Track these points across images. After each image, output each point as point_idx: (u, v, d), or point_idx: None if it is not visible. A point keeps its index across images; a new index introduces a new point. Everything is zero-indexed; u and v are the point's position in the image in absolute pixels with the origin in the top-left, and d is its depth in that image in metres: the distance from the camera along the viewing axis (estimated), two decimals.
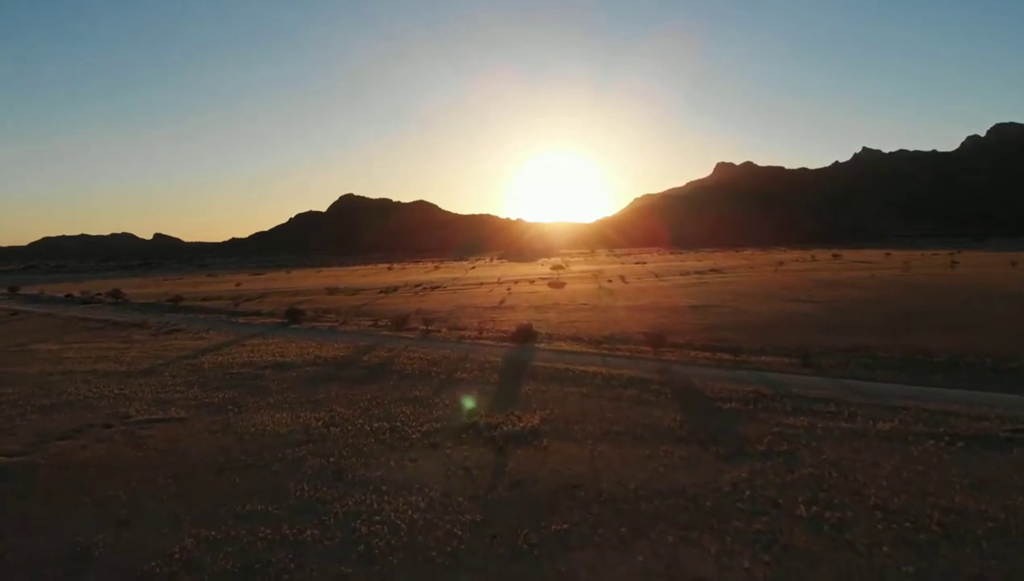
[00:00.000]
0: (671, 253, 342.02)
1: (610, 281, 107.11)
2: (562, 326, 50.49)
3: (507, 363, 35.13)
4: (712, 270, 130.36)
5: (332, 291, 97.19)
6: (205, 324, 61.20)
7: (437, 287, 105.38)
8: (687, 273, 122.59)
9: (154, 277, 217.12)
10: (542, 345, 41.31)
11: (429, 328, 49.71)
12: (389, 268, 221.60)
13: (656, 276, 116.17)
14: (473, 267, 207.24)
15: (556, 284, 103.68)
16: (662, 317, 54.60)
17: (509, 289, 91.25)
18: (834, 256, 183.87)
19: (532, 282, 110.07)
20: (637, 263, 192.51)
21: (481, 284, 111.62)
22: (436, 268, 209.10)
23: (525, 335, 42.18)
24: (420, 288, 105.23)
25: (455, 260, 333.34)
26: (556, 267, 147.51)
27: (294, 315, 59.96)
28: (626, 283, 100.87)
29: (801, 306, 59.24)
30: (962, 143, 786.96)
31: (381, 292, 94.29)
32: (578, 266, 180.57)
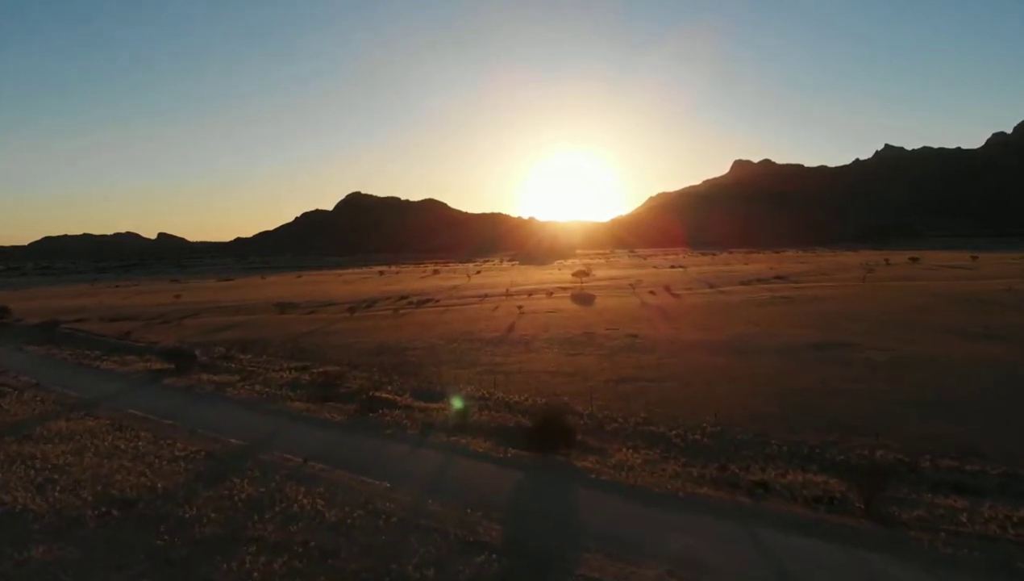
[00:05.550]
0: (702, 254, 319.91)
1: (652, 293, 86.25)
2: (615, 392, 29.92)
3: (514, 557, 14.59)
4: (777, 277, 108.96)
5: (284, 309, 77.24)
6: (45, 370, 41.57)
7: (427, 301, 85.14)
8: (748, 282, 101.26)
9: (114, 282, 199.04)
10: (589, 462, 20.72)
11: (375, 395, 29.34)
12: (381, 273, 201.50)
13: (710, 286, 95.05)
14: (478, 272, 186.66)
15: (582, 298, 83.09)
16: (778, 369, 33.90)
17: (521, 307, 70.80)
18: (912, 259, 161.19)
19: (550, 294, 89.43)
20: (673, 267, 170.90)
21: (484, 296, 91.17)
22: (435, 273, 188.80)
23: (552, 432, 21.68)
24: (405, 302, 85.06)
25: (464, 261, 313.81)
26: (579, 274, 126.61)
27: (181, 360, 40.02)
28: (676, 297, 79.96)
29: (993, 348, 38.32)
30: (987, 140, 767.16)
31: (350, 309, 74.21)
32: (602, 271, 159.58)
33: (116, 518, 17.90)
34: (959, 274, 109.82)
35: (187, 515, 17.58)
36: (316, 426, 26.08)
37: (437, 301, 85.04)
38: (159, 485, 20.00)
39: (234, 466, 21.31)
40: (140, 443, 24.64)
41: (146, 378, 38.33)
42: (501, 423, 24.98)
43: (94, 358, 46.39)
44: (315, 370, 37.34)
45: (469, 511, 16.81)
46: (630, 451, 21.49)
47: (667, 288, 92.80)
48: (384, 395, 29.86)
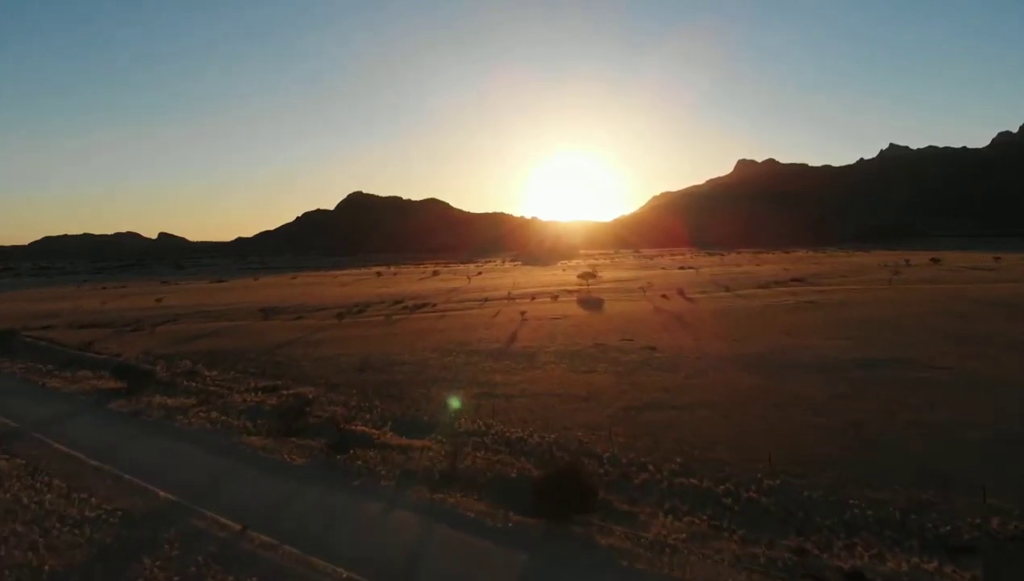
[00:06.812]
0: (708, 254, 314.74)
1: (665, 296, 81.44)
2: (639, 424, 25.04)
3: None
4: (794, 280, 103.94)
5: (269, 314, 72.56)
6: None
7: (423, 305, 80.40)
8: (765, 284, 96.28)
9: (102, 284, 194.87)
10: (616, 537, 15.87)
11: (348, 428, 24.55)
12: (378, 274, 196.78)
13: (726, 289, 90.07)
14: (479, 273, 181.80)
15: (590, 302, 78.27)
16: (828, 393, 29.00)
17: (524, 312, 66.00)
18: (933, 260, 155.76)
19: (555, 298, 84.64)
20: (682, 268, 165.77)
21: (485, 300, 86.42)
22: (434, 274, 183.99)
23: (566, 491, 16.84)
24: (400, 306, 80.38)
25: (466, 262, 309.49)
26: (585, 275, 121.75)
27: (134, 379, 35.35)
28: (691, 301, 75.07)
29: None
30: (992, 140, 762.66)
31: (337, 316, 69.47)
32: (608, 272, 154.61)
33: None
34: (986, 276, 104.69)
35: None
36: (270, 472, 21.29)
37: (434, 305, 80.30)
38: (46, 567, 15.25)
39: (151, 536, 16.53)
40: (48, 496, 19.92)
41: (92, 400, 33.61)
42: (500, 472, 20.16)
43: (44, 374, 41.70)
44: (285, 391, 32.62)
45: None
46: (669, 518, 16.65)
47: (680, 291, 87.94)
48: (359, 428, 25.09)
